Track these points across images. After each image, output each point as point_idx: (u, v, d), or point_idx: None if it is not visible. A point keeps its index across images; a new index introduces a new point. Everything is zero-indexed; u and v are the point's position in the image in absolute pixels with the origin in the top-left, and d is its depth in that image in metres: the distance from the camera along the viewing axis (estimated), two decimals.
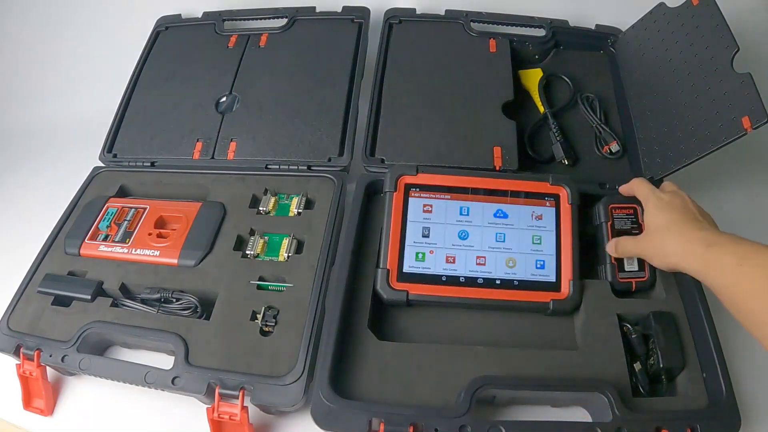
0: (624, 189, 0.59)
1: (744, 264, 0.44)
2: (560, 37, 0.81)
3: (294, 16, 0.83)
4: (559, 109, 0.74)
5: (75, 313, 0.59)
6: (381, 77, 0.75)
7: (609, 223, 0.59)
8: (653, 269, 0.58)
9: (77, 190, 0.71)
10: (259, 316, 0.56)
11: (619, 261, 0.58)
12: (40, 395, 0.57)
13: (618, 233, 0.59)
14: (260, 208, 0.66)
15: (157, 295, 0.59)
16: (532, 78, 0.77)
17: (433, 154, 0.67)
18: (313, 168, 0.69)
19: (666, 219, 0.52)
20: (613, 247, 0.57)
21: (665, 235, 0.51)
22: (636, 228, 0.59)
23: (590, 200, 0.62)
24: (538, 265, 0.57)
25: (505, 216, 0.59)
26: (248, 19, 0.87)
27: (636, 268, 0.58)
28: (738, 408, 0.48)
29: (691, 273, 0.49)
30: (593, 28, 0.81)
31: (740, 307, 0.45)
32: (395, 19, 0.81)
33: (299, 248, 0.62)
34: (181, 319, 0.57)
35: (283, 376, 0.51)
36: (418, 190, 0.61)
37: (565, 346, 0.55)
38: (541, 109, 0.74)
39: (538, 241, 0.58)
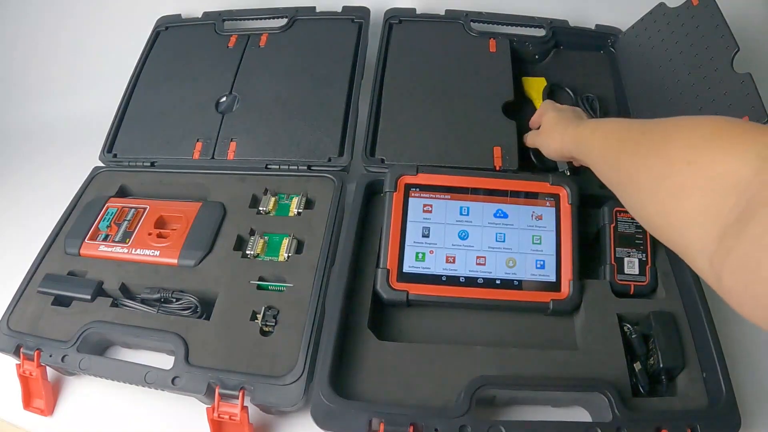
0: (534, 117, 0.66)
1: (596, 131, 0.49)
2: (560, 37, 0.81)
3: (294, 16, 0.83)
4: None
5: (75, 313, 0.59)
6: (381, 77, 0.75)
7: (612, 226, 0.59)
8: (654, 274, 0.58)
9: (77, 190, 0.71)
10: (259, 316, 0.56)
11: (619, 262, 0.58)
12: (40, 395, 0.57)
13: (621, 236, 0.59)
14: (260, 208, 0.66)
15: (157, 295, 0.59)
16: (536, 86, 0.77)
17: (433, 154, 0.67)
18: (313, 168, 0.69)
19: (556, 116, 0.59)
20: (525, 138, 0.67)
21: (554, 128, 0.58)
22: (641, 233, 0.59)
23: (590, 200, 0.62)
24: (538, 265, 0.57)
25: (505, 216, 0.59)
26: (248, 19, 0.87)
27: (636, 272, 0.58)
28: (738, 408, 0.48)
29: (571, 154, 0.55)
30: (593, 28, 0.81)
31: (600, 174, 0.48)
32: (395, 19, 0.81)
33: (299, 248, 0.62)
34: (181, 319, 0.57)
35: (283, 376, 0.51)
36: (418, 190, 0.61)
37: (565, 346, 0.55)
38: None
39: (538, 241, 0.58)
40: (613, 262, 0.58)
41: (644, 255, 0.59)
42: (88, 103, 0.94)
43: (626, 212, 0.60)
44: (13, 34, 0.98)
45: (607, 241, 0.59)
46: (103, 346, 0.60)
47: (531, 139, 0.65)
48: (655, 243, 0.60)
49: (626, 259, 0.58)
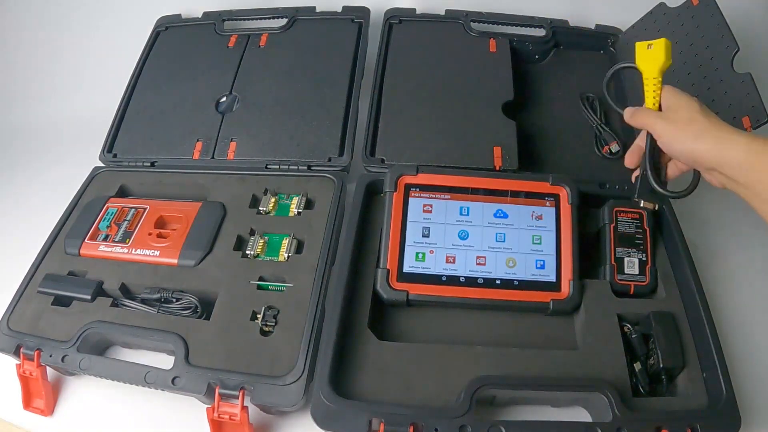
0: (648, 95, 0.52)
1: None
2: (560, 37, 0.81)
3: (294, 16, 0.83)
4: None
5: (75, 313, 0.59)
6: (381, 77, 0.75)
7: (612, 226, 0.59)
8: (654, 274, 0.58)
9: (77, 190, 0.71)
10: (259, 316, 0.56)
11: (619, 262, 0.58)
12: (40, 395, 0.57)
13: (621, 236, 0.59)
14: (260, 208, 0.66)
15: (157, 295, 0.59)
16: (656, 53, 0.53)
17: (433, 154, 0.67)
18: (313, 168, 0.69)
19: (702, 109, 0.46)
20: (630, 113, 0.52)
21: (703, 123, 0.45)
22: (641, 233, 0.59)
23: (590, 200, 0.62)
24: (538, 265, 0.57)
25: (505, 216, 0.59)
26: (248, 19, 0.87)
27: (636, 272, 0.58)
28: (738, 408, 0.48)
29: (723, 169, 0.44)
30: (593, 28, 0.81)
31: None
32: (395, 19, 0.81)
33: (299, 248, 0.62)
34: (181, 319, 0.57)
35: (283, 376, 0.51)
36: (418, 190, 0.61)
37: (565, 346, 0.55)
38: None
39: (538, 241, 0.58)
40: (613, 262, 0.58)
41: (644, 255, 0.58)
42: (88, 103, 0.94)
43: (627, 212, 0.59)
44: (13, 34, 0.98)
45: (607, 240, 0.59)
46: (103, 346, 0.60)
47: (648, 119, 0.49)
48: (656, 243, 0.59)
49: (626, 259, 0.58)
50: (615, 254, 0.58)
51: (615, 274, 0.57)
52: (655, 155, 0.52)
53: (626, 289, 0.57)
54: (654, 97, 0.51)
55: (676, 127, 0.47)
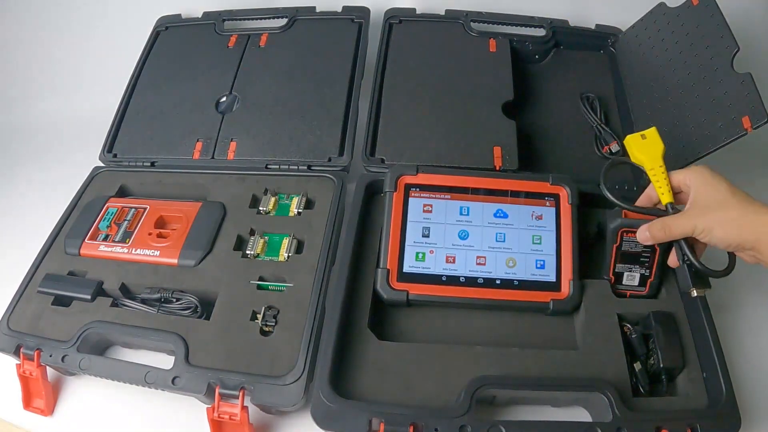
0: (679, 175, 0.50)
1: None
2: (560, 37, 0.81)
3: (294, 16, 0.83)
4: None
5: (75, 313, 0.59)
6: (381, 77, 0.75)
7: (616, 246, 0.56)
8: (657, 286, 0.57)
9: (77, 190, 0.71)
10: (259, 316, 0.56)
11: (618, 276, 0.57)
12: (40, 395, 0.57)
13: (624, 256, 0.56)
14: (260, 208, 0.66)
15: (157, 295, 0.59)
16: (650, 145, 0.53)
17: (433, 154, 0.67)
18: (313, 168, 0.69)
19: (731, 188, 0.47)
20: (659, 229, 0.50)
21: (733, 203, 0.46)
22: (647, 253, 0.56)
23: (590, 200, 0.61)
24: (538, 265, 0.57)
25: (505, 216, 0.59)
26: (248, 19, 0.87)
27: (636, 284, 0.57)
28: (738, 408, 0.48)
29: (761, 247, 0.44)
30: (593, 28, 0.81)
31: None
32: (395, 19, 0.81)
33: (299, 248, 0.62)
34: (181, 319, 0.57)
35: (283, 376, 0.51)
36: (418, 190, 0.61)
37: (566, 346, 0.55)
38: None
39: (538, 241, 0.58)
40: (611, 275, 0.57)
41: (648, 271, 0.57)
42: (88, 103, 0.94)
43: (633, 232, 0.54)
44: (13, 34, 0.98)
45: (607, 256, 0.57)
46: (103, 346, 0.60)
47: (684, 227, 0.48)
48: (663, 261, 0.56)
49: (626, 274, 0.57)
50: (614, 269, 0.57)
51: (612, 284, 0.57)
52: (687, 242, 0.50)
53: (622, 296, 0.57)
54: (666, 185, 0.51)
55: (713, 217, 0.46)
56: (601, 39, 0.81)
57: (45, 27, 0.97)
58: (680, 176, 0.50)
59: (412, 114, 0.71)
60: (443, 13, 0.82)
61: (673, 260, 0.53)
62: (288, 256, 0.61)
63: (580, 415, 0.53)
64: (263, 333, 0.55)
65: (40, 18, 0.96)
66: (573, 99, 0.76)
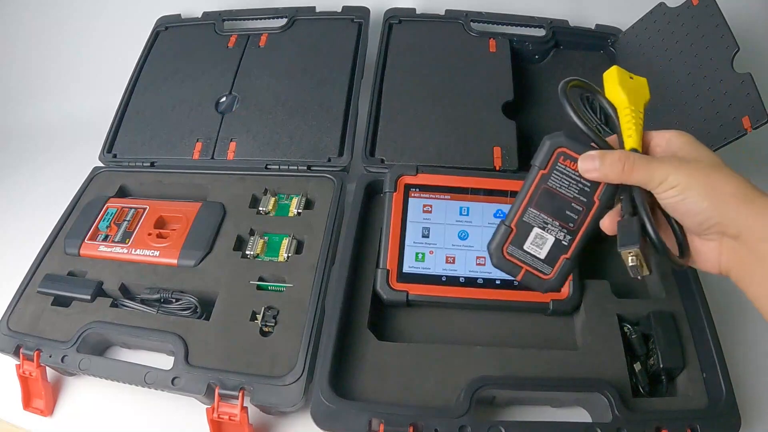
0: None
1: None
2: (560, 37, 0.81)
3: (294, 16, 0.83)
4: None
5: (75, 313, 0.59)
6: (381, 77, 0.75)
7: (542, 173, 0.40)
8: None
9: (77, 190, 0.71)
10: (259, 316, 0.56)
11: (522, 227, 0.41)
12: (39, 395, 0.57)
13: (544, 198, 0.40)
14: (260, 208, 0.66)
15: (157, 296, 0.59)
16: (636, 89, 0.42)
17: (433, 154, 0.67)
18: (313, 168, 0.69)
19: (716, 157, 0.37)
20: (606, 161, 0.37)
21: (721, 167, 0.36)
22: (580, 205, 0.40)
23: None
24: None
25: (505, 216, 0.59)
26: (248, 19, 0.87)
27: (541, 255, 0.42)
28: (738, 408, 0.48)
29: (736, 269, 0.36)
30: (593, 28, 0.81)
31: None
32: (395, 19, 0.81)
33: (299, 248, 0.62)
34: (181, 319, 0.57)
35: (283, 376, 0.51)
36: (418, 190, 0.61)
37: (565, 346, 0.55)
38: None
39: None
40: (512, 225, 0.42)
41: (568, 238, 0.41)
42: (88, 103, 0.94)
43: (575, 161, 0.40)
44: (13, 34, 0.98)
45: (520, 194, 0.42)
46: (102, 347, 0.60)
47: (658, 167, 0.36)
48: (593, 231, 0.41)
49: (535, 231, 0.42)
50: (522, 215, 0.41)
51: (495, 244, 0.43)
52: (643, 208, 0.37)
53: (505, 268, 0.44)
54: (636, 132, 0.39)
55: (696, 175, 0.35)
56: (601, 39, 0.81)
57: (45, 27, 0.97)
58: (660, 135, 0.39)
59: (412, 114, 0.71)
60: (443, 13, 0.82)
61: (609, 223, 0.40)
62: (288, 257, 0.61)
63: (580, 415, 0.53)
64: (263, 333, 0.55)
65: (40, 18, 0.96)
66: (573, 99, 0.76)
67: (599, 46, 0.81)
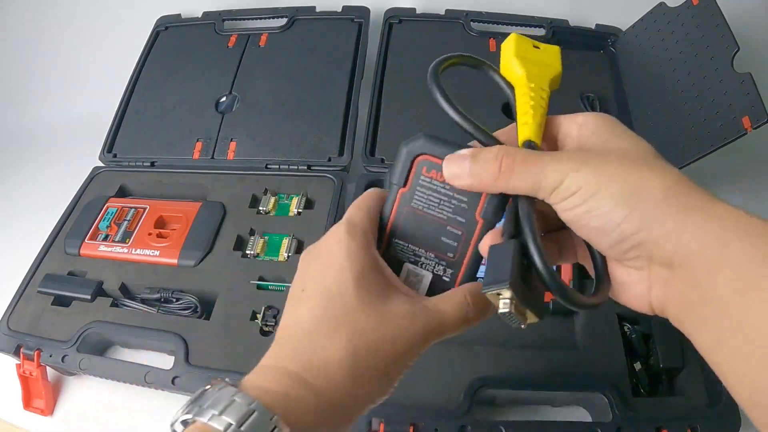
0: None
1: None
2: (560, 36, 0.81)
3: (294, 15, 0.83)
4: None
5: (75, 313, 0.59)
6: (381, 77, 0.75)
7: (401, 191, 0.30)
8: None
9: (77, 190, 0.71)
10: (259, 316, 0.56)
11: (391, 259, 0.30)
12: (40, 395, 0.57)
13: (409, 221, 0.30)
14: (260, 208, 0.66)
15: (157, 295, 0.59)
16: (540, 58, 0.35)
17: None
18: (313, 168, 0.69)
19: (637, 140, 0.27)
20: (480, 159, 0.28)
21: (649, 160, 0.25)
22: (457, 227, 0.30)
23: None
24: None
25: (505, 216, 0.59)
26: (248, 19, 0.87)
27: (422, 290, 0.31)
28: (738, 408, 0.48)
29: (711, 261, 0.22)
30: (593, 28, 0.81)
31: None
32: (395, 18, 0.81)
33: (299, 248, 0.62)
34: (181, 319, 0.57)
35: None
36: None
37: (565, 346, 0.55)
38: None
39: None
40: (381, 248, 0.31)
41: (449, 272, 0.30)
42: (88, 103, 0.94)
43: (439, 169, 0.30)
44: (12, 34, 0.98)
45: (387, 215, 0.31)
46: (103, 346, 0.60)
47: (530, 167, 0.26)
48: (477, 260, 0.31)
49: (407, 266, 0.31)
50: (388, 243, 0.31)
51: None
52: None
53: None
54: (535, 118, 0.30)
55: (609, 171, 0.24)
56: (601, 39, 0.81)
57: (44, 27, 0.97)
58: (571, 120, 0.29)
59: (412, 114, 0.71)
60: (443, 13, 0.82)
61: (485, 244, 0.28)
62: (288, 256, 0.61)
63: (580, 415, 0.53)
64: (263, 333, 0.55)
65: (40, 18, 0.96)
66: (573, 99, 0.76)
67: (599, 46, 0.81)
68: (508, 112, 0.71)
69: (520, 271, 0.25)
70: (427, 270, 0.30)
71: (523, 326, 0.27)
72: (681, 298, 0.24)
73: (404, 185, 0.30)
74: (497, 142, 0.29)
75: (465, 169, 0.28)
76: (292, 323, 0.28)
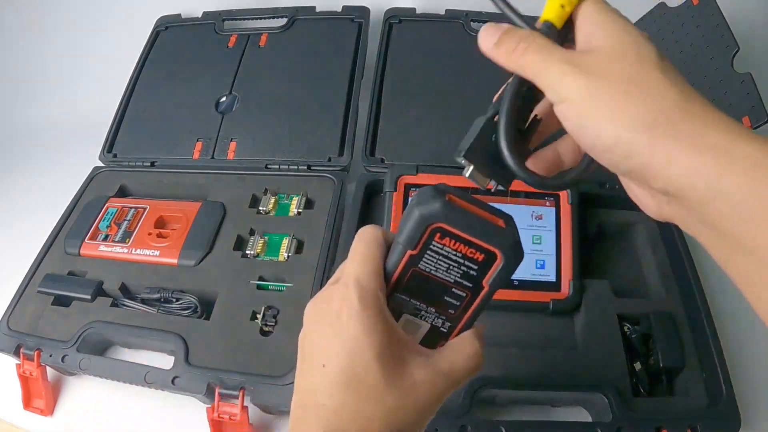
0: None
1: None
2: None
3: (294, 15, 0.83)
4: None
5: (75, 313, 0.59)
6: (381, 77, 0.75)
7: (410, 253, 0.29)
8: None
9: (77, 190, 0.71)
10: (259, 316, 0.56)
11: (396, 309, 0.30)
12: (40, 395, 0.57)
13: (415, 282, 0.30)
14: (260, 208, 0.66)
15: (157, 295, 0.59)
16: None
17: (433, 154, 0.67)
18: (313, 168, 0.69)
19: (645, 45, 0.26)
20: (505, 36, 0.29)
21: (650, 77, 0.24)
22: (468, 281, 0.30)
23: (590, 200, 0.61)
24: (538, 265, 0.57)
25: None
26: (248, 19, 0.87)
27: (418, 337, 0.32)
28: (738, 408, 0.48)
29: (713, 195, 0.22)
30: None
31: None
32: (395, 18, 0.81)
33: (299, 248, 0.62)
34: (181, 319, 0.57)
35: (283, 376, 0.51)
36: (418, 189, 0.61)
37: (565, 346, 0.55)
38: None
39: (538, 241, 0.58)
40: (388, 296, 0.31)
41: (448, 325, 0.32)
42: (88, 103, 0.94)
43: (455, 238, 0.29)
44: (12, 34, 0.98)
45: (392, 270, 0.30)
46: (103, 346, 0.60)
47: (550, 63, 0.26)
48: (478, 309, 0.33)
49: (406, 316, 0.31)
50: (392, 294, 0.30)
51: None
52: (526, 108, 0.30)
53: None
54: (562, 9, 0.28)
55: (603, 85, 0.23)
56: None
57: (45, 27, 0.97)
58: (600, 13, 0.27)
59: (412, 114, 0.71)
60: (443, 13, 0.82)
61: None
62: (288, 256, 0.61)
63: (580, 415, 0.53)
64: (263, 333, 0.55)
65: (40, 18, 0.96)
66: None
67: None
68: None
69: (484, 143, 0.29)
70: (426, 321, 0.31)
71: (486, 187, 0.30)
72: (684, 219, 0.25)
73: (414, 249, 0.29)
74: (531, 27, 0.29)
75: (494, 39, 0.29)
76: (313, 401, 0.29)
